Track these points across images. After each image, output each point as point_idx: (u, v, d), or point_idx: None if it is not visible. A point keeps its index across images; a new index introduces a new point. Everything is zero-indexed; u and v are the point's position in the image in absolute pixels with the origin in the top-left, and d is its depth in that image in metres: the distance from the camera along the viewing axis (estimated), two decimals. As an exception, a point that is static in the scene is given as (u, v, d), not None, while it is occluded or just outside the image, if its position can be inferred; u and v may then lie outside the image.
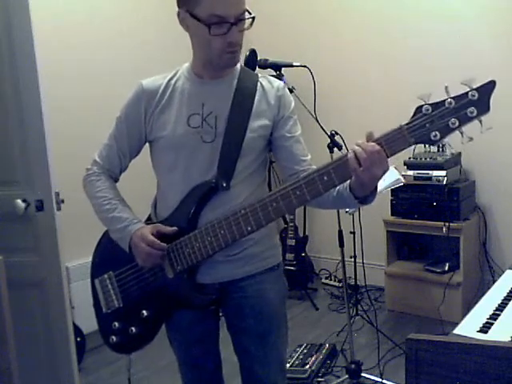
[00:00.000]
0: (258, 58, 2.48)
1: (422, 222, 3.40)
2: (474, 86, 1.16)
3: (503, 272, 1.94)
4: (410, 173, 3.39)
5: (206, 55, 1.46)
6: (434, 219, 3.32)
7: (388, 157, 1.24)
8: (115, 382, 2.85)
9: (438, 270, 3.42)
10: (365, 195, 1.33)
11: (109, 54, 3.42)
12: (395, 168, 2.73)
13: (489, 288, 1.79)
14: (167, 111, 1.51)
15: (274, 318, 1.60)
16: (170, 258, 1.49)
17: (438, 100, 1.17)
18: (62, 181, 2.23)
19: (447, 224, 3.25)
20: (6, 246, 2.07)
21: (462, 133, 1.18)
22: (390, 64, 3.84)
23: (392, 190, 3.35)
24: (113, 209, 1.54)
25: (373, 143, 1.23)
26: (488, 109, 1.15)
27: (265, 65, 2.46)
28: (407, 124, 1.20)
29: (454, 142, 1.26)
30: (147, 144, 1.61)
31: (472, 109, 1.15)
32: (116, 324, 1.59)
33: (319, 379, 2.77)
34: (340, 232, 2.73)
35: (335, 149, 2.56)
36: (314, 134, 2.63)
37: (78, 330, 2.74)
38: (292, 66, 2.50)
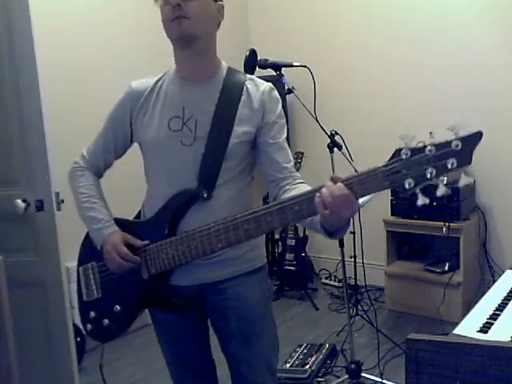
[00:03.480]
0: (258, 58, 2.47)
1: (422, 222, 3.40)
2: (461, 134, 1.06)
3: (503, 272, 1.94)
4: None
5: (167, 34, 1.48)
6: (434, 219, 3.32)
7: (358, 198, 1.19)
8: (115, 382, 2.85)
9: (438, 270, 3.42)
10: (335, 230, 1.29)
11: (109, 54, 3.42)
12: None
13: (489, 288, 1.79)
14: (151, 113, 1.53)
15: (256, 320, 1.59)
16: (146, 260, 1.50)
17: (418, 146, 1.10)
18: (61, 181, 2.23)
19: (447, 224, 3.25)
20: (6, 246, 2.07)
21: (437, 184, 1.10)
22: (389, 64, 3.84)
23: (392, 190, 3.35)
24: (90, 207, 1.58)
25: (341, 186, 1.18)
26: (469, 162, 1.06)
27: (265, 65, 2.45)
28: (383, 166, 1.14)
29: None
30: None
31: (452, 160, 1.06)
32: (92, 313, 1.63)
33: (319, 379, 2.77)
34: (340, 232, 2.72)
35: (335, 149, 2.56)
36: (313, 133, 2.63)
37: (78, 330, 2.74)
38: (292, 66, 2.50)
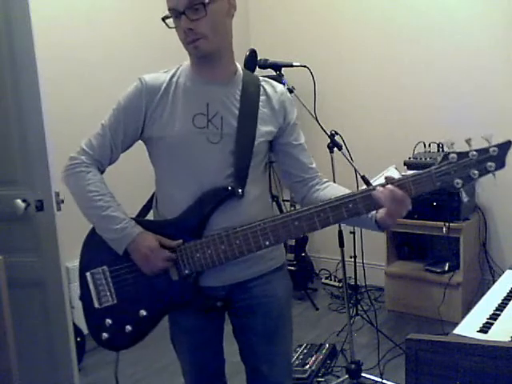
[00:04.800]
0: (258, 58, 2.47)
1: (422, 222, 3.39)
2: (493, 143, 1.27)
3: (503, 272, 1.94)
4: (410, 173, 3.38)
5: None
6: (434, 219, 3.31)
7: (411, 196, 1.34)
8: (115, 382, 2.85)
9: (438, 270, 3.41)
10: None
11: (109, 54, 3.42)
12: (395, 168, 2.73)
13: (489, 288, 1.79)
14: (171, 109, 1.49)
15: (280, 316, 1.60)
16: (177, 261, 1.47)
17: (463, 150, 1.29)
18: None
19: (447, 224, 3.24)
20: (6, 246, 2.07)
21: (475, 184, 1.33)
22: (389, 64, 3.84)
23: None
24: (107, 206, 1.48)
25: (395, 188, 1.31)
26: (504, 165, 1.26)
27: (265, 65, 2.45)
28: (436, 169, 1.31)
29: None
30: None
31: (491, 163, 1.27)
32: (109, 321, 1.53)
33: (319, 379, 2.77)
34: (340, 232, 2.72)
35: (335, 149, 2.55)
36: (314, 133, 2.63)
37: (78, 330, 2.74)
38: (292, 66, 2.50)
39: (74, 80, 3.19)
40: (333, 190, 1.52)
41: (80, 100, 3.20)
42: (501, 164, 1.27)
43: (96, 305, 1.55)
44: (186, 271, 1.47)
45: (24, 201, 2.16)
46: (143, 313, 1.51)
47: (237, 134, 1.47)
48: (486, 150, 1.27)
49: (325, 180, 1.59)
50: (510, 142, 1.27)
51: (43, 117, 2.15)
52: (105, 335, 1.54)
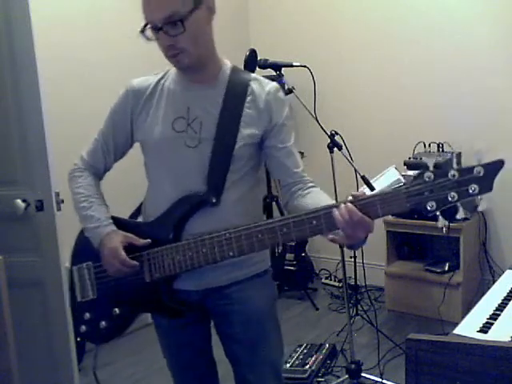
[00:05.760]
0: (258, 58, 2.48)
1: (422, 222, 3.38)
2: (483, 162, 1.13)
3: (503, 272, 1.94)
4: (410, 173, 3.38)
5: None
6: (434, 219, 3.32)
7: (374, 218, 1.24)
8: (115, 381, 2.85)
9: (438, 270, 3.42)
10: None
11: (109, 53, 3.41)
12: (395, 168, 2.73)
13: (489, 288, 1.79)
14: (154, 113, 1.49)
15: (262, 324, 1.56)
16: (150, 264, 1.47)
17: (440, 170, 1.15)
18: (62, 181, 2.23)
19: (447, 224, 3.25)
20: (6, 246, 2.07)
21: (457, 207, 1.17)
22: (389, 64, 3.84)
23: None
24: (88, 207, 1.54)
25: (353, 209, 1.21)
26: (490, 189, 1.13)
27: (265, 65, 2.46)
28: (406, 188, 1.17)
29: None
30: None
31: (474, 186, 1.12)
32: (87, 315, 1.58)
33: (319, 379, 2.77)
34: (340, 232, 2.72)
35: (335, 149, 2.56)
36: (314, 134, 2.63)
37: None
38: (292, 66, 2.50)
39: (74, 80, 3.19)
40: (313, 198, 1.42)
41: (80, 100, 3.20)
42: (486, 188, 1.12)
43: (79, 298, 1.61)
44: (157, 275, 1.46)
45: (24, 201, 2.16)
46: (116, 311, 1.54)
47: (215, 139, 1.44)
48: (469, 170, 1.12)
49: (309, 185, 1.48)
50: (501, 162, 1.12)
51: (43, 117, 2.15)
52: (83, 328, 1.60)
